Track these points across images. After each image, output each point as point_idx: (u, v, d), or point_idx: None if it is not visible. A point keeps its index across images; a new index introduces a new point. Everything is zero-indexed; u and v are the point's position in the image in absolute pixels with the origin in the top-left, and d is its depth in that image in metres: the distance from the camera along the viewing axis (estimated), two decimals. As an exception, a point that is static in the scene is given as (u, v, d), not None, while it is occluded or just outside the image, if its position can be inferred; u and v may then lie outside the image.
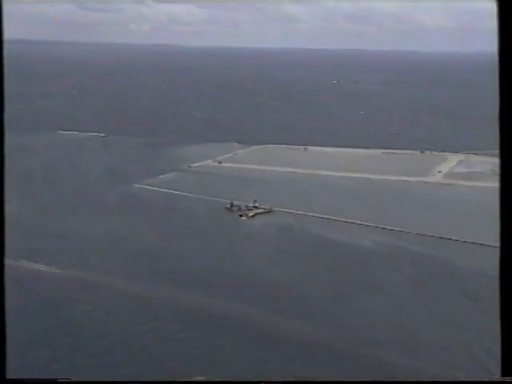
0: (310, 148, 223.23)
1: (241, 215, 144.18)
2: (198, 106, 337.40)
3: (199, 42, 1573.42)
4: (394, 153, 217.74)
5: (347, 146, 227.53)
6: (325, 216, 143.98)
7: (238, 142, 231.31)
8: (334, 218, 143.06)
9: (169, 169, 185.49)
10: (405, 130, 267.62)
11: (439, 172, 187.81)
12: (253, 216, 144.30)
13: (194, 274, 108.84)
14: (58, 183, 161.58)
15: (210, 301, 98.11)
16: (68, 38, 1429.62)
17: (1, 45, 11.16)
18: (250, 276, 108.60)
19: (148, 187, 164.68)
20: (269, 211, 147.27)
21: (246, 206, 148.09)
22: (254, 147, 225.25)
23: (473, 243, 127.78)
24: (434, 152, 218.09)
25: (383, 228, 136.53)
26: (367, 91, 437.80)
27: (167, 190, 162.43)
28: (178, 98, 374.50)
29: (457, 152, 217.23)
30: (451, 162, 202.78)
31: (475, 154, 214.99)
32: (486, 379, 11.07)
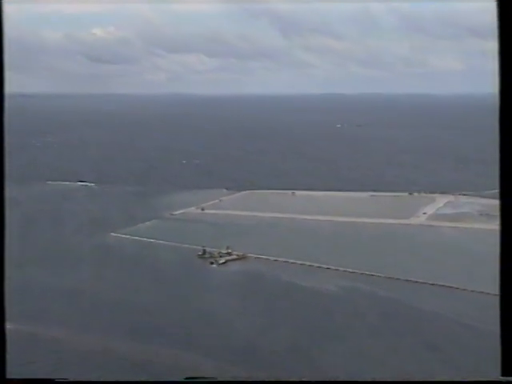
0: (298, 192, 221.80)
1: (211, 262, 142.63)
2: (198, 154, 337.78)
3: (214, 91, 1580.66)
4: (382, 195, 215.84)
5: (337, 190, 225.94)
6: (298, 261, 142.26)
7: (227, 189, 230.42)
8: (307, 263, 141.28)
9: (150, 217, 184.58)
10: (398, 173, 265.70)
11: (424, 214, 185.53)
12: (223, 263, 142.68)
13: (149, 325, 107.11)
14: (33, 235, 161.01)
15: (159, 351, 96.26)
16: (82, 90, 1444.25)
17: (1, 45, 11.13)
18: (206, 327, 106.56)
19: (125, 236, 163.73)
20: (241, 258, 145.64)
21: (219, 253, 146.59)
22: (242, 193, 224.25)
23: (442, 286, 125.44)
24: (423, 193, 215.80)
25: (353, 272, 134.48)
26: (368, 135, 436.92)
27: (143, 239, 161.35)
28: (180, 147, 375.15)
29: (446, 193, 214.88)
30: (439, 204, 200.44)
31: (465, 194, 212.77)
32: (486, 379, 10.88)
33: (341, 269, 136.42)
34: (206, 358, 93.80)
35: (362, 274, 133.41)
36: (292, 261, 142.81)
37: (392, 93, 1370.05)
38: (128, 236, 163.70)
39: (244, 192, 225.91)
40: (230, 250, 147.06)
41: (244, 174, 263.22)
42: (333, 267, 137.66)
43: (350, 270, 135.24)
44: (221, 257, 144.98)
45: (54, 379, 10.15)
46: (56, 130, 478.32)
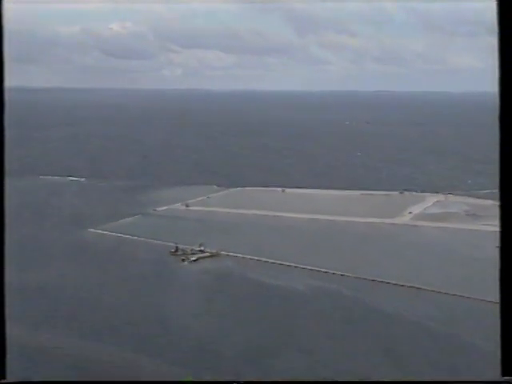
0: (288, 190, 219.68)
1: (183, 260, 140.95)
2: (198, 150, 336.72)
3: (230, 86, 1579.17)
4: (371, 194, 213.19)
5: (328, 188, 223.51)
6: (271, 260, 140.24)
7: (217, 185, 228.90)
8: (280, 262, 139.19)
9: (133, 213, 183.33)
10: (395, 171, 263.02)
11: (409, 213, 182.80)
12: (195, 260, 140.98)
13: (104, 323, 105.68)
14: (10, 230, 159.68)
15: (106, 350, 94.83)
16: (98, 84, 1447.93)
17: (1, 45, 11.23)
18: (162, 327, 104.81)
19: (102, 232, 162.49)
20: (214, 255, 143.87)
21: (191, 250, 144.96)
22: (231, 190, 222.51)
23: (411, 287, 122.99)
24: (414, 193, 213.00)
25: (324, 272, 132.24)
26: (375, 132, 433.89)
27: (120, 235, 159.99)
28: (182, 142, 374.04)
29: (438, 192, 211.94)
30: (427, 203, 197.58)
31: (456, 194, 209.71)
32: (486, 379, 11.13)
33: (313, 268, 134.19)
34: (152, 358, 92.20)
35: (333, 273, 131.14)
36: (265, 259, 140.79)
37: (408, 91, 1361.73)
38: (105, 232, 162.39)
39: (234, 189, 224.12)
40: (202, 248, 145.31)
41: (239, 171, 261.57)
42: (305, 266, 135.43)
43: (322, 270, 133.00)
44: (193, 254, 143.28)
45: (55, 380, 9.41)
46: (63, 124, 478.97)
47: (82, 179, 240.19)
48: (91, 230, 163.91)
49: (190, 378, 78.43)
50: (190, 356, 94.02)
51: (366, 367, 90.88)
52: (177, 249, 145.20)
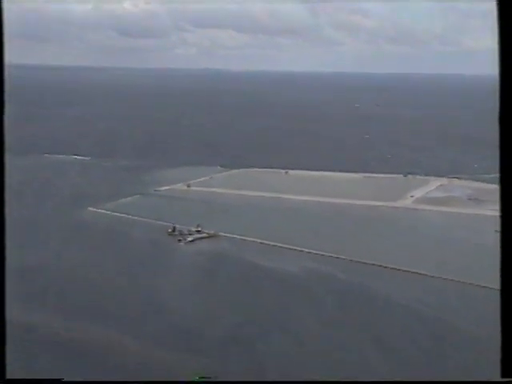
0: (291, 172, 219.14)
1: (179, 240, 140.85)
2: (207, 130, 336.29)
3: (244, 66, 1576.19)
4: (375, 177, 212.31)
5: (333, 170, 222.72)
6: (267, 242, 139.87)
7: (222, 166, 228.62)
8: (276, 243, 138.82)
9: (134, 192, 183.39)
10: (402, 154, 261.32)
11: (411, 197, 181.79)
12: (192, 241, 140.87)
13: (96, 302, 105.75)
14: (9, 208, 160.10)
15: (88, 329, 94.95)
16: (114, 63, 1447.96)
17: (1, 45, 11.10)
18: (149, 308, 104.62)
19: (101, 211, 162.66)
20: (212, 236, 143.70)
21: (189, 231, 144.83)
22: (235, 171, 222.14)
23: (406, 271, 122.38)
24: (418, 176, 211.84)
25: (321, 254, 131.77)
26: (384, 115, 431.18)
27: (119, 215, 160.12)
28: (193, 122, 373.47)
29: (442, 176, 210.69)
30: (430, 187, 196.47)
31: (460, 178, 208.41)
32: (486, 379, 11.09)
33: (310, 251, 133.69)
34: (136, 338, 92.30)
35: (329, 256, 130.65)
36: (262, 241, 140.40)
37: (423, 73, 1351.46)
38: (105, 211, 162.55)
39: (237, 170, 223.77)
40: (200, 228, 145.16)
41: (245, 152, 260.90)
42: (302, 249, 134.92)
43: (319, 252, 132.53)
44: (190, 235, 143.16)
45: (56, 379, 10.38)
46: (73, 103, 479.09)
47: (87, 158, 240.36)
48: (91, 209, 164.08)
49: (197, 378, 78.20)
50: (174, 337, 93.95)
51: (350, 352, 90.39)
52: (174, 229, 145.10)
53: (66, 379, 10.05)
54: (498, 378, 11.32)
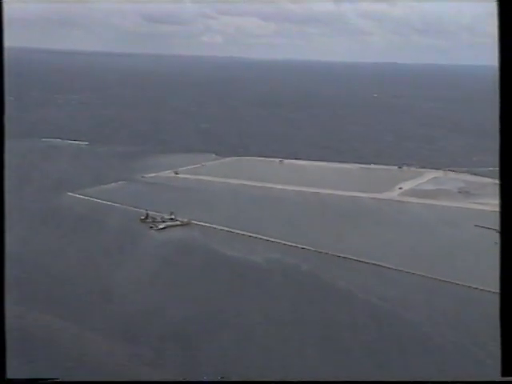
0: (286, 161, 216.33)
1: (151, 227, 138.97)
2: (213, 118, 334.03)
3: (271, 55, 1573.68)
4: (369, 168, 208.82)
5: (329, 160, 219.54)
6: (239, 231, 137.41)
7: (216, 154, 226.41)
8: (248, 233, 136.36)
9: (119, 178, 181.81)
10: (404, 145, 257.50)
11: (399, 189, 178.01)
12: (163, 228, 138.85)
13: (51, 291, 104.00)
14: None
15: (43, 320, 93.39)
16: (140, 50, 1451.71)
17: (1, 45, 11.21)
18: (106, 298, 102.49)
19: (80, 196, 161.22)
20: (185, 224, 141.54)
21: (162, 218, 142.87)
22: (228, 159, 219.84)
23: (372, 264, 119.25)
24: (413, 168, 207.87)
25: (290, 245, 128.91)
26: (400, 106, 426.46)
27: (96, 200, 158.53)
28: (200, 110, 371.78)
29: (438, 168, 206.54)
30: (423, 179, 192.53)
31: (457, 171, 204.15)
32: (486, 379, 11.10)
33: (279, 241, 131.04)
34: (78, 326, 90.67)
35: (298, 247, 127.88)
36: (235, 231, 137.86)
37: (453, 64, 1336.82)
38: (83, 197, 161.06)
39: (231, 158, 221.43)
40: (173, 216, 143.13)
41: (246, 141, 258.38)
42: (272, 239, 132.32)
43: (288, 243, 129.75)
44: (163, 222, 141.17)
45: (56, 379, 10.41)
46: (89, 88, 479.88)
47: (84, 143, 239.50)
48: (69, 194, 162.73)
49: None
50: (116, 327, 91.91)
51: (290, 349, 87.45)
52: (147, 216, 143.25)
53: (65, 379, 10.59)
54: (498, 378, 11.33)
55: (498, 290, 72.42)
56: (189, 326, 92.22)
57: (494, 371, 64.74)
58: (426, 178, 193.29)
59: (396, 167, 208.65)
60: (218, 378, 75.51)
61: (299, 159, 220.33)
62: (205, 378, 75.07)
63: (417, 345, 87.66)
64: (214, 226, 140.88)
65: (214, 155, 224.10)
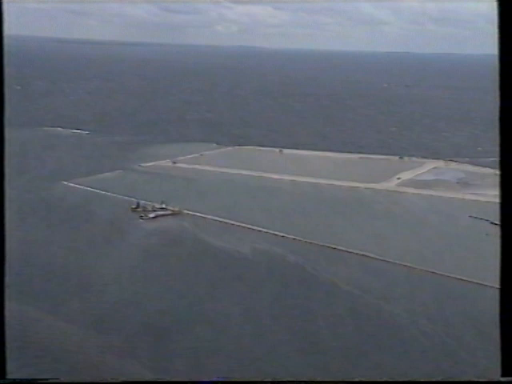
0: (286, 151, 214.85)
1: (141, 216, 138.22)
2: (219, 108, 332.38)
3: (286, 45, 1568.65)
4: (370, 158, 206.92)
5: (330, 150, 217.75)
6: (230, 221, 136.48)
7: (217, 143, 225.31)
8: (238, 223, 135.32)
9: (116, 167, 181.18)
10: (408, 135, 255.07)
11: (398, 179, 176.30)
12: (153, 218, 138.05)
13: (31, 281, 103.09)
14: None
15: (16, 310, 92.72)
16: (154, 39, 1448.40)
17: (1, 45, 10.85)
18: (86, 290, 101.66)
19: (74, 185, 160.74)
20: (176, 213, 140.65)
21: (153, 207, 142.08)
22: (228, 148, 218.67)
23: (362, 255, 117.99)
24: (414, 158, 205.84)
25: (280, 235, 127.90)
26: (409, 96, 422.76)
27: (91, 189, 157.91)
28: (207, 100, 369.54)
29: (439, 159, 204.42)
30: (423, 169, 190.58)
31: (459, 161, 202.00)
32: (486, 379, 10.71)
33: (269, 231, 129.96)
34: (52, 316, 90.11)
35: (288, 237, 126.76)
36: (226, 221, 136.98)
37: (472, 53, 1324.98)
38: (77, 186, 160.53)
39: (231, 147, 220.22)
40: (164, 205, 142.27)
41: (248, 131, 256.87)
42: (262, 229, 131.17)
43: (278, 233, 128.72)
44: (154, 211, 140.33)
45: (57, 379, 10.19)
46: (98, 78, 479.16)
47: (85, 132, 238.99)
48: (64, 183, 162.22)
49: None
50: (97, 319, 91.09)
51: (263, 345, 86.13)
52: (138, 205, 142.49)
53: (65, 379, 9.93)
54: (498, 378, 10.20)
55: (483, 282, 71.39)
56: (165, 319, 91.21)
57: (467, 365, 63.34)
58: (427, 169, 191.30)
59: (397, 157, 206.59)
60: (218, 378, 74.46)
61: (299, 149, 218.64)
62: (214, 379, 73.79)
63: (392, 338, 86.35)
64: (206, 215, 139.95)
65: (214, 145, 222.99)
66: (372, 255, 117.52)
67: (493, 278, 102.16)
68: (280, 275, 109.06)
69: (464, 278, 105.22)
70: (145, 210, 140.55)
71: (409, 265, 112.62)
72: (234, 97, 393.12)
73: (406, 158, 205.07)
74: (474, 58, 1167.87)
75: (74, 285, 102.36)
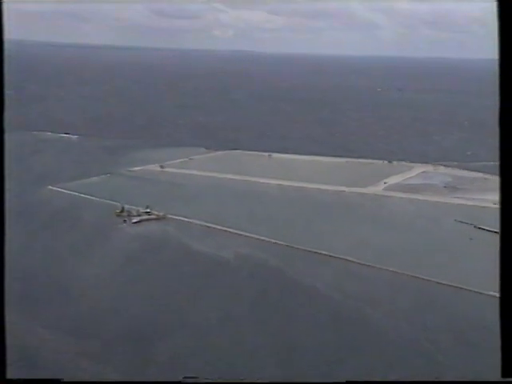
0: (275, 155, 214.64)
1: (125, 221, 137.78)
2: (211, 112, 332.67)
3: (282, 49, 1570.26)
4: (359, 162, 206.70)
5: (319, 154, 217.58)
6: (214, 225, 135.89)
7: (206, 148, 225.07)
8: (222, 227, 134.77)
9: (104, 172, 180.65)
10: (398, 139, 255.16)
11: (384, 183, 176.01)
12: (137, 222, 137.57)
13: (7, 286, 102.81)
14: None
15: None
16: (150, 44, 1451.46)
17: (1, 45, 11.39)
18: (64, 295, 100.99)
19: (60, 190, 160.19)
20: (160, 218, 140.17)
21: (137, 212, 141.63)
22: (217, 153, 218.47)
23: (342, 259, 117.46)
24: (404, 162, 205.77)
25: (263, 240, 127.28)
26: (402, 100, 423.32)
27: (76, 194, 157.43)
28: (200, 104, 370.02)
29: (428, 163, 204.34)
30: (411, 173, 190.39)
31: (448, 165, 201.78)
32: (485, 379, 11.47)
33: (252, 236, 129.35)
34: (30, 322, 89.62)
35: (271, 242, 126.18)
36: (210, 225, 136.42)
37: (466, 58, 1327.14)
38: (63, 190, 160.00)
39: (220, 152, 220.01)
40: (149, 210, 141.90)
41: (238, 135, 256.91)
42: (246, 234, 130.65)
43: (262, 238, 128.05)
44: (138, 216, 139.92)
45: (57, 379, 10.76)
46: (93, 82, 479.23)
47: (75, 136, 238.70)
48: (50, 187, 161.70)
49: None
50: (74, 325, 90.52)
51: (249, 348, 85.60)
52: (122, 209, 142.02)
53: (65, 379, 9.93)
54: (499, 378, 11.24)
55: (464, 286, 71.39)
56: (142, 325, 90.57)
57: (444, 368, 62.77)
58: (415, 173, 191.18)
59: (386, 162, 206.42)
60: (216, 379, 74.24)
61: (290, 153, 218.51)
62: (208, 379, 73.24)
63: (370, 342, 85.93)
64: (190, 219, 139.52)
65: (204, 149, 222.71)
66: (355, 260, 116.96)
67: (474, 282, 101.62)
68: (261, 280, 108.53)
69: (445, 283, 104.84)
70: (129, 215, 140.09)
71: (391, 269, 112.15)
72: (227, 101, 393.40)
73: (394, 162, 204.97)
74: (468, 62, 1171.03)
75: (52, 290, 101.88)
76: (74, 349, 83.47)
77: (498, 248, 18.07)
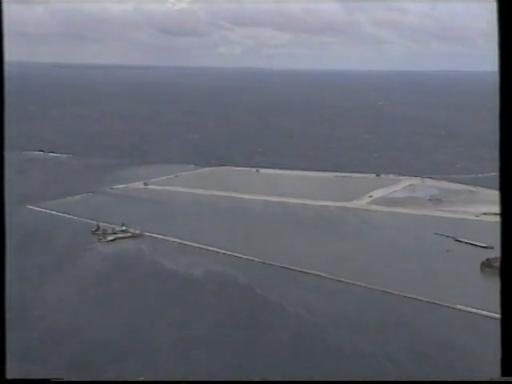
0: (263, 170, 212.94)
1: (99, 239, 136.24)
2: (205, 129, 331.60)
3: (289, 65, 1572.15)
4: (347, 176, 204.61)
5: (308, 169, 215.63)
6: (189, 243, 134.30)
7: (195, 164, 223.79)
8: (198, 244, 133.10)
9: (86, 190, 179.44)
10: (390, 154, 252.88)
11: (370, 197, 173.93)
12: (112, 240, 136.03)
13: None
14: None
15: None
16: (155, 62, 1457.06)
17: (1, 46, 11.07)
18: (21, 317, 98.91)
19: (38, 209, 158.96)
20: (136, 236, 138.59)
21: (113, 230, 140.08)
22: (205, 169, 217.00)
23: (317, 275, 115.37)
24: (391, 176, 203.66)
25: (236, 256, 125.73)
26: (403, 114, 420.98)
27: (55, 213, 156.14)
28: (194, 121, 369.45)
29: (416, 176, 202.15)
30: (398, 187, 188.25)
31: (435, 178, 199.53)
32: (485, 379, 10.96)
33: (227, 252, 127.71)
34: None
35: (244, 258, 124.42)
36: (186, 242, 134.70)
37: (472, 70, 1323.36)
38: (42, 209, 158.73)
39: (208, 168, 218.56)
40: (124, 228, 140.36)
41: (230, 151, 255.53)
42: (220, 250, 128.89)
43: (235, 254, 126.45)
44: (114, 234, 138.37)
45: (57, 379, 10.47)
46: (90, 102, 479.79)
47: (64, 156, 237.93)
48: (29, 207, 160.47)
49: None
50: (27, 349, 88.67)
51: (203, 371, 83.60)
52: (98, 228, 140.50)
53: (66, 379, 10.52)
54: (499, 377, 10.83)
55: (434, 300, 69.68)
56: (96, 349, 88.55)
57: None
58: (402, 186, 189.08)
59: (374, 175, 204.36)
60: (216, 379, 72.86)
61: (279, 168, 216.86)
62: None
63: (325, 360, 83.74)
64: (167, 237, 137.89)
65: (192, 166, 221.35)
66: (327, 275, 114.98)
67: (444, 295, 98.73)
68: (228, 298, 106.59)
69: (414, 297, 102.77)
70: (104, 233, 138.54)
71: (363, 285, 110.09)
72: (223, 118, 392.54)
73: (382, 176, 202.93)
74: (475, 74, 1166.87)
75: (11, 313, 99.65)
76: (20, 373, 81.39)
77: (497, 246, 16.02)
